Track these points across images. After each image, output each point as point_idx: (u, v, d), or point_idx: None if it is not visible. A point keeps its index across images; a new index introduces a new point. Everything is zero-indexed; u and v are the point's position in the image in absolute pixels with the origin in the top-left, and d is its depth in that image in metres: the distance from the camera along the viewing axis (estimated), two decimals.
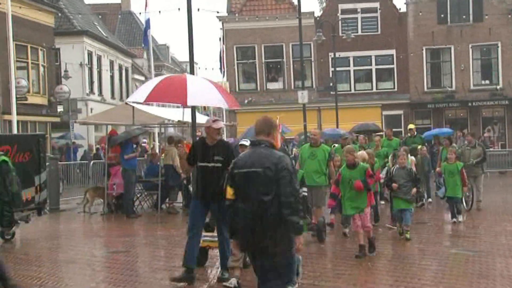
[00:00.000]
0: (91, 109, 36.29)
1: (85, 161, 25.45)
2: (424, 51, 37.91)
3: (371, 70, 38.69)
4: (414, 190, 12.03)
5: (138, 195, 17.76)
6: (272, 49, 38.58)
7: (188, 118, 15.36)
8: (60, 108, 31.83)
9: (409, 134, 19.26)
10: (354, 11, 38.24)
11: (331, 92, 34.27)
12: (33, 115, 30.11)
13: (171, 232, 13.35)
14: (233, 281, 8.03)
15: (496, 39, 37.41)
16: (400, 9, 38.97)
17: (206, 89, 9.65)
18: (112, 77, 42.64)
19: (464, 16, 37.70)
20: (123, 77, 45.46)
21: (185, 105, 10.83)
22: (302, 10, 26.21)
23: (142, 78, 50.93)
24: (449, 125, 35.22)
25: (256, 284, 5.75)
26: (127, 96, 44.35)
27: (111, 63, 42.43)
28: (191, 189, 15.87)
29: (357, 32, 37.17)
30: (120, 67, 44.71)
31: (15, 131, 21.88)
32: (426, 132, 29.89)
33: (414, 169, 13.16)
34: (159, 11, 53.98)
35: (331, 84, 34.95)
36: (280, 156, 5.58)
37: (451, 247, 11.26)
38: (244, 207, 5.51)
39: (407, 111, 37.66)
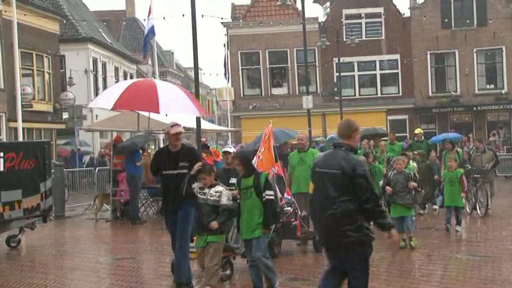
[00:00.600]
0: (96, 116, 36.31)
1: (90, 168, 25.48)
2: (428, 56, 37.89)
3: (375, 75, 38.69)
4: (412, 184, 11.93)
5: (143, 202, 17.76)
6: (277, 55, 38.63)
7: (193, 124, 15.38)
8: (65, 115, 31.87)
9: (415, 139, 18.81)
10: (358, 16, 38.27)
11: (336, 97, 34.28)
12: (39, 122, 30.18)
13: None
14: None
15: (500, 43, 37.37)
16: (404, 14, 39.00)
17: (177, 96, 9.22)
18: (116, 83, 42.71)
19: (468, 21, 37.68)
20: None
21: (157, 113, 10.36)
22: (306, 15, 26.27)
23: None
24: (454, 130, 35.18)
25: None
26: None
27: (116, 69, 42.52)
28: None
29: (361, 37, 37.18)
30: (125, 74, 44.80)
31: (20, 138, 21.89)
32: (434, 137, 29.87)
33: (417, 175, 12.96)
34: (164, 17, 54.10)
35: (335, 89, 34.96)
36: (357, 161, 5.96)
37: (456, 252, 11.22)
38: (318, 204, 6.02)
39: (411, 116, 37.63)
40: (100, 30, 42.71)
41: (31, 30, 29.18)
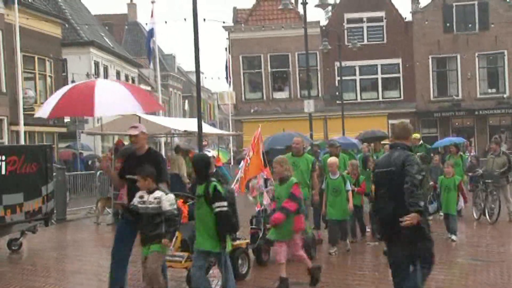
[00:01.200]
0: (98, 119, 36.37)
1: (91, 172, 25.49)
2: (430, 60, 37.92)
3: (377, 79, 38.71)
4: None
5: None
6: (278, 59, 38.66)
7: (194, 128, 15.38)
8: (66, 119, 31.91)
9: (415, 144, 17.54)
10: (360, 20, 38.30)
11: (337, 101, 34.31)
12: (40, 125, 30.19)
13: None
14: None
15: (502, 48, 37.38)
16: (405, 18, 39.02)
17: (118, 95, 8.51)
18: None
19: (470, 25, 37.71)
20: None
21: (92, 116, 9.74)
22: (308, 19, 26.31)
23: (149, 88, 51.07)
24: (456, 134, 35.14)
25: None
26: None
27: (118, 73, 42.58)
28: None
29: (363, 41, 37.22)
30: (127, 77, 44.84)
31: (22, 142, 21.95)
32: (437, 141, 29.75)
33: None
34: (165, 21, 54.35)
35: (337, 93, 34.99)
36: (408, 155, 6.48)
37: (461, 256, 11.20)
38: (381, 202, 6.52)
39: (413, 120, 37.56)
40: (102, 34, 42.78)
41: (33, 34, 29.22)
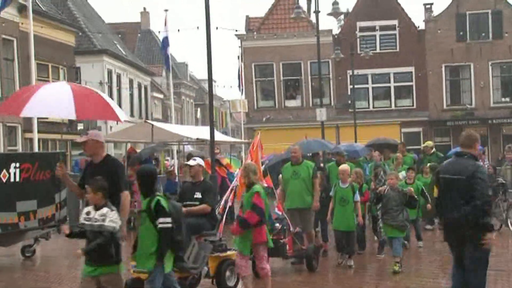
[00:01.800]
0: (111, 127, 36.54)
1: None
2: (443, 69, 37.79)
3: (389, 87, 38.62)
4: (429, 206, 11.66)
5: None
6: (290, 67, 38.68)
7: (206, 135, 15.42)
8: (80, 126, 32.08)
9: (425, 152, 17.79)
10: (373, 28, 38.26)
11: (350, 110, 34.24)
12: (54, 133, 30.38)
13: None
14: None
15: None
16: (418, 26, 38.93)
17: (55, 97, 7.89)
18: (131, 95, 42.96)
19: (483, 34, 37.57)
20: (142, 95, 45.78)
21: (17, 115, 9.15)
22: (320, 28, 26.26)
23: (161, 96, 51.25)
24: None
25: None
26: (146, 114, 44.67)
27: (131, 81, 42.77)
28: None
29: (376, 50, 37.16)
30: (139, 85, 45.04)
31: (36, 149, 22.05)
32: (452, 149, 29.51)
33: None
34: (178, 30, 54.60)
35: (349, 101, 34.92)
36: (478, 166, 6.64)
37: None
38: (446, 207, 6.74)
39: (426, 129, 37.48)
40: (115, 42, 43.01)
41: (47, 42, 29.43)
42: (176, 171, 20.29)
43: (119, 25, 56.05)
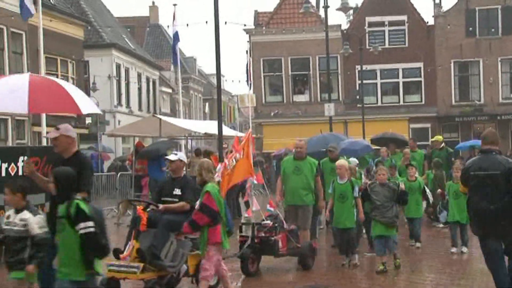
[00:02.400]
0: (119, 121, 36.63)
1: (112, 173, 25.65)
2: (452, 64, 37.64)
3: (398, 83, 38.52)
4: (439, 191, 11.60)
5: None
6: (299, 62, 38.61)
7: (214, 130, 15.43)
8: (88, 120, 32.15)
9: (435, 147, 17.21)
10: (382, 24, 38.13)
11: (358, 105, 34.18)
12: None
13: None
14: None
15: None
16: (428, 22, 38.78)
17: (8, 89, 7.49)
18: (139, 89, 43.03)
19: (493, 29, 37.39)
20: (151, 89, 45.84)
21: None
22: (329, 23, 26.26)
23: (169, 91, 51.30)
24: (478, 139, 34.79)
25: None
26: (155, 109, 44.73)
27: (139, 75, 42.82)
28: None
29: (384, 45, 37.06)
30: (148, 80, 45.09)
31: (44, 143, 22.12)
32: (460, 144, 29.38)
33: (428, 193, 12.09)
34: (187, 24, 54.33)
35: (357, 96, 34.86)
36: (509, 161, 7.20)
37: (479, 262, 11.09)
38: (479, 201, 7.11)
39: (434, 124, 37.36)
40: (124, 36, 43.06)
41: (56, 36, 29.49)
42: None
43: (128, 19, 56.11)
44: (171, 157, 9.18)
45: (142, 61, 43.53)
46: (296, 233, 10.36)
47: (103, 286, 7.98)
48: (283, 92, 38.97)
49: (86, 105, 7.73)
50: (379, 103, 38.35)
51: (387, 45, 37.51)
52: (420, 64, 37.87)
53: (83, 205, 5.85)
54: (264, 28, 38.98)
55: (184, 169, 10.15)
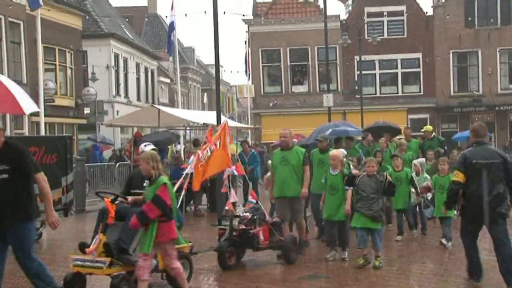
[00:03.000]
0: (117, 111, 36.59)
1: (110, 163, 25.65)
2: (451, 55, 37.62)
3: (397, 73, 38.50)
4: (427, 183, 11.17)
5: None
6: (298, 52, 38.56)
7: (213, 120, 15.41)
8: (86, 110, 32.15)
9: (426, 137, 16.90)
10: (380, 14, 38.07)
11: (356, 96, 34.19)
12: (60, 117, 30.46)
13: (195, 234, 13.39)
14: None
15: None
16: (427, 12, 38.73)
17: None
18: (138, 79, 42.96)
19: (491, 20, 37.36)
20: (149, 79, 45.78)
21: None
22: (328, 13, 26.24)
23: (168, 81, 51.23)
24: None
25: None
26: (153, 99, 44.68)
27: (137, 65, 42.74)
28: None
29: (383, 36, 37.02)
30: (146, 70, 45.02)
31: (42, 133, 22.11)
32: (457, 134, 29.37)
33: (430, 185, 11.38)
34: (185, 14, 54.47)
35: (356, 87, 34.86)
36: (504, 152, 8.23)
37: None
38: (478, 188, 7.70)
39: (433, 115, 37.39)
40: (122, 26, 42.96)
41: (54, 26, 29.41)
42: (182, 157, 20.30)
43: (126, 9, 55.97)
44: (145, 149, 8.91)
45: (140, 51, 43.44)
46: (280, 226, 10.03)
47: (68, 282, 7.78)
48: (281, 82, 38.95)
49: (28, 104, 7.52)
50: (378, 94, 38.35)
51: (386, 36, 37.46)
52: (418, 55, 37.85)
53: None
54: (262, 18, 38.89)
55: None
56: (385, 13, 38.02)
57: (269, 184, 11.16)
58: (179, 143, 25.69)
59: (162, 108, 20.98)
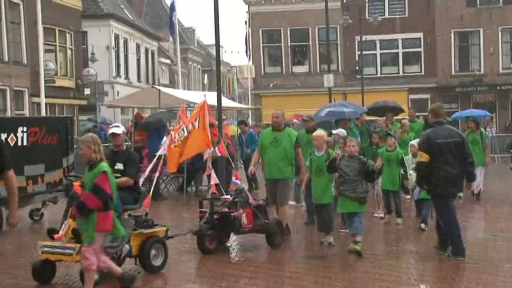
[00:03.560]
0: (118, 92, 36.52)
1: (110, 144, 25.65)
2: (452, 34, 37.44)
3: (397, 53, 38.37)
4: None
5: (164, 178, 17.86)
6: (298, 33, 38.41)
7: (213, 101, 15.38)
8: (87, 91, 32.09)
9: (409, 119, 16.20)
10: None
11: (357, 76, 34.09)
12: (61, 97, 30.42)
13: (196, 215, 13.43)
14: None
15: None
16: None
17: None
18: (138, 60, 42.83)
19: None
20: (149, 60, 45.64)
21: None
22: None
23: (168, 62, 51.09)
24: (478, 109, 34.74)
25: None
26: (153, 80, 44.59)
27: (138, 46, 42.59)
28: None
29: (384, 15, 36.83)
30: (146, 50, 44.87)
31: (43, 114, 22.13)
32: (456, 113, 29.24)
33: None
34: None
35: (357, 67, 34.75)
36: (460, 131, 9.22)
37: (478, 232, 11.18)
38: (443, 166, 8.31)
39: (434, 95, 37.28)
40: (122, 7, 42.74)
41: (54, 6, 29.27)
42: None
43: None
44: (116, 130, 8.59)
45: (140, 31, 43.26)
46: (265, 209, 9.74)
47: (37, 270, 7.65)
48: (282, 63, 38.84)
49: None
50: (379, 74, 38.25)
51: (387, 15, 37.27)
52: (420, 35, 37.68)
53: None
54: None
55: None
56: None
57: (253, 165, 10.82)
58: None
59: (162, 89, 20.94)
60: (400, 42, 38.05)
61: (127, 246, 7.65)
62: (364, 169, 9.09)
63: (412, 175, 10.97)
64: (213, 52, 40.01)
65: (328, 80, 25.65)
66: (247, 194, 9.79)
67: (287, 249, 9.70)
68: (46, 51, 28.26)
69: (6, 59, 26.42)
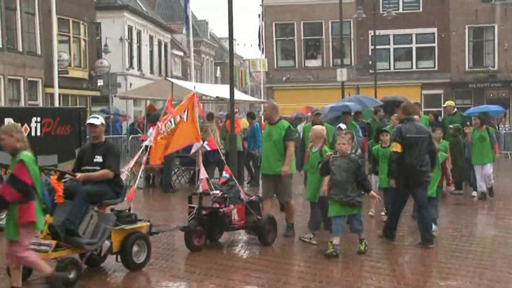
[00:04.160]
0: (130, 84, 36.66)
1: (123, 135, 25.75)
2: (466, 30, 37.22)
3: (411, 48, 38.21)
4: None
5: (176, 170, 17.91)
6: (311, 26, 38.34)
7: (226, 94, 15.41)
8: (100, 82, 32.22)
9: (448, 113, 16.09)
10: None
11: (370, 70, 34.00)
12: (74, 88, 30.56)
13: None
14: None
15: None
16: None
17: None
18: (151, 52, 42.94)
19: None
20: (162, 52, 45.74)
21: None
22: None
23: (181, 54, 51.16)
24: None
25: None
26: (166, 72, 44.70)
27: (151, 38, 42.69)
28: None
29: (398, 10, 36.68)
30: (159, 42, 44.96)
31: (56, 104, 22.22)
32: (471, 108, 29.05)
33: (450, 166, 10.74)
34: None
35: (370, 62, 34.65)
36: (427, 128, 10.11)
37: (490, 229, 11.15)
38: (411, 159, 8.95)
39: (447, 91, 37.12)
40: None
41: None
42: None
43: None
44: (94, 121, 8.03)
45: (154, 23, 43.35)
46: (257, 205, 9.38)
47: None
48: (295, 56, 38.79)
49: None
50: (392, 69, 38.12)
51: (401, 10, 37.11)
52: (434, 30, 37.50)
53: None
54: None
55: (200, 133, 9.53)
56: None
57: None
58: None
59: (175, 81, 21.00)
60: (414, 37, 37.89)
61: (107, 243, 7.39)
62: (356, 170, 8.44)
63: None
64: (226, 45, 40.00)
65: (341, 74, 25.64)
66: (238, 190, 9.43)
67: (284, 245, 9.37)
68: (60, 41, 28.39)
69: (20, 49, 26.57)
